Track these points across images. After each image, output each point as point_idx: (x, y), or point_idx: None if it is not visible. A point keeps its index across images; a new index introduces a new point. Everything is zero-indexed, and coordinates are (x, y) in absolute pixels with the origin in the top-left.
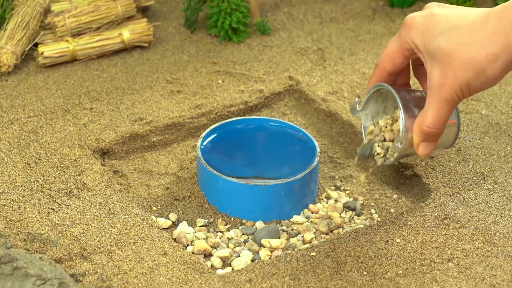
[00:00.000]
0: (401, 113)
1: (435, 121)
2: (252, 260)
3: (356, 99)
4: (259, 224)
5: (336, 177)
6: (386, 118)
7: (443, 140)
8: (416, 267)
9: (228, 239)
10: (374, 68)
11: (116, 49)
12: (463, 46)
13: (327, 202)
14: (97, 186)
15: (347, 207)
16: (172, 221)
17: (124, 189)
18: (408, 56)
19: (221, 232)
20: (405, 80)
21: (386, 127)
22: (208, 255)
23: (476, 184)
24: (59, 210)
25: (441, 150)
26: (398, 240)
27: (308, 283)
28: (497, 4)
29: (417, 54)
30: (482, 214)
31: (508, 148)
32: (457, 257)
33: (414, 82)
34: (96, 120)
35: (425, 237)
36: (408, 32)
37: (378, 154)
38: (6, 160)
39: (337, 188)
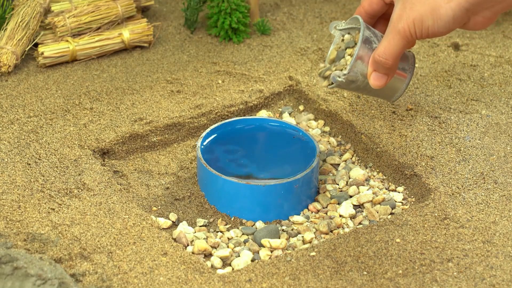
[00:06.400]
0: (360, 40)
1: (385, 50)
2: (252, 260)
3: (339, 21)
4: (259, 224)
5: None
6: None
7: (387, 90)
8: (416, 267)
9: (228, 239)
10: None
11: (116, 49)
12: None
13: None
14: (97, 186)
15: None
16: (172, 221)
17: (124, 189)
18: (388, 1)
19: (221, 232)
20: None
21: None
22: (208, 255)
23: (476, 184)
24: (59, 210)
25: (441, 150)
26: (398, 240)
27: (308, 283)
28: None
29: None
30: (482, 214)
31: (508, 148)
32: (457, 257)
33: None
34: (96, 120)
35: (425, 237)
36: None
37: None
38: (6, 160)
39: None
